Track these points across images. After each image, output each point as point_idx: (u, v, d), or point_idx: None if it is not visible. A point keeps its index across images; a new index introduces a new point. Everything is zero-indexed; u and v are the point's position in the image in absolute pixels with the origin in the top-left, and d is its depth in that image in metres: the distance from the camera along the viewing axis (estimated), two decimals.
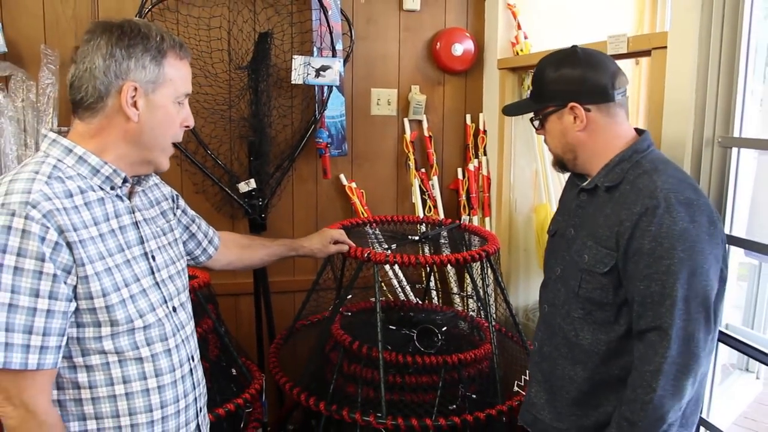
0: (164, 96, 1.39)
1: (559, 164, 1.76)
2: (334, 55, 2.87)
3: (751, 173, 2.02)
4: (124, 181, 1.40)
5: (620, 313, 1.58)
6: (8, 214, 1.21)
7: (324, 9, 2.83)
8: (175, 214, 1.68)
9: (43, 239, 1.22)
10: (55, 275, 1.23)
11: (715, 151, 1.91)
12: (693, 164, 1.91)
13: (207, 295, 2.40)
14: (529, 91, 1.78)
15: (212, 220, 2.83)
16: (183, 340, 1.49)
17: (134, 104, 1.35)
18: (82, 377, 1.33)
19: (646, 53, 2.11)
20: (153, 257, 1.45)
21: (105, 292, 1.30)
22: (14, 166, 2.51)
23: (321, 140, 2.92)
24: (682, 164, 1.89)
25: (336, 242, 2.18)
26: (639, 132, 1.68)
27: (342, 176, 3.11)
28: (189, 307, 1.58)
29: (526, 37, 3.07)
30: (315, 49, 2.89)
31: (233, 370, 2.40)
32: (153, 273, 1.44)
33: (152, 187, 1.59)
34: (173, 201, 1.69)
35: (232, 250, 1.95)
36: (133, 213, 1.44)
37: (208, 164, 2.86)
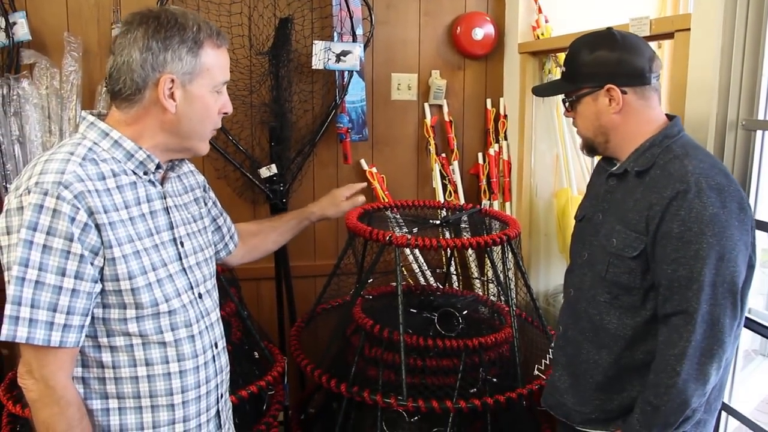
0: (202, 86, 1.39)
1: (589, 148, 1.75)
2: (354, 40, 2.87)
3: None
4: (158, 166, 1.42)
5: (647, 298, 1.58)
6: (41, 193, 1.24)
7: None
8: (206, 204, 1.70)
9: (73, 219, 1.24)
10: (82, 255, 1.26)
11: (739, 134, 1.89)
12: (716, 147, 1.89)
13: (230, 279, 2.42)
14: (560, 72, 1.76)
15: (234, 205, 2.88)
16: (207, 327, 1.50)
17: (171, 96, 1.36)
18: (107, 357, 1.36)
19: (669, 36, 2.09)
20: (182, 243, 1.47)
21: (131, 274, 1.32)
22: (39, 153, 2.55)
23: (342, 125, 2.93)
24: (705, 147, 1.87)
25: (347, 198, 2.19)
26: (669, 117, 1.67)
27: (362, 161, 3.12)
28: (215, 294, 1.59)
29: (546, 21, 3.04)
30: (335, 34, 2.89)
31: (256, 353, 2.43)
32: (181, 259, 1.45)
33: (187, 174, 1.61)
34: (204, 191, 1.70)
35: (246, 240, 1.95)
36: (165, 198, 1.45)
37: (230, 150, 2.87)
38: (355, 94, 3.02)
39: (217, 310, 1.58)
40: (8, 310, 1.23)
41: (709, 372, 1.47)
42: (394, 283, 2.26)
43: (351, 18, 2.85)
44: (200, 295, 1.49)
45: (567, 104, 1.72)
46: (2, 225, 1.26)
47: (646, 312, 1.58)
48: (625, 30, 2.10)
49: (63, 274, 1.25)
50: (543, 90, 1.85)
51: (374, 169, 3.12)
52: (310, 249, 3.11)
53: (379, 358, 2.24)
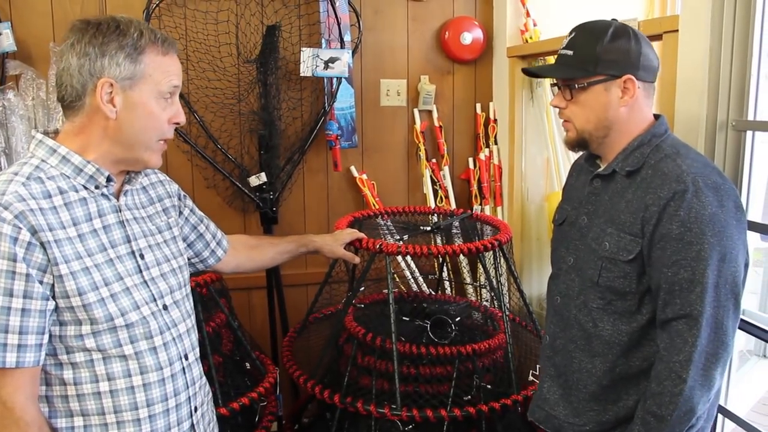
0: (143, 93, 1.37)
1: (580, 143, 1.64)
2: (342, 47, 2.86)
3: (766, 156, 1.99)
4: (108, 179, 1.39)
5: (642, 302, 1.54)
6: None
7: (331, 0, 2.81)
8: (182, 213, 1.68)
9: (15, 240, 1.23)
10: (28, 275, 1.25)
11: (729, 135, 1.89)
12: (707, 148, 1.88)
13: (219, 289, 2.40)
14: (559, 56, 1.63)
15: (223, 214, 2.86)
16: (174, 338, 1.47)
17: (111, 101, 1.35)
18: (68, 374, 1.34)
19: (658, 37, 2.08)
20: (141, 256, 1.44)
21: (81, 291, 1.30)
22: None
23: (331, 132, 2.92)
24: (695, 148, 1.86)
25: (349, 244, 2.18)
26: (654, 116, 1.63)
27: (353, 168, 3.11)
28: (187, 304, 1.56)
29: (535, 25, 3.04)
30: (323, 40, 2.88)
31: (247, 364, 2.41)
32: (141, 271, 1.43)
33: (155, 184, 1.59)
34: (179, 199, 1.68)
35: (241, 251, 1.93)
36: (120, 212, 1.43)
37: (219, 158, 2.86)
38: (344, 100, 3.01)
39: (188, 320, 1.55)
40: None
41: (715, 377, 1.43)
42: (386, 291, 2.24)
43: (339, 24, 2.84)
44: (165, 307, 1.47)
45: (569, 91, 1.60)
46: None
47: (642, 317, 1.54)
48: None
49: (11, 295, 1.24)
50: (547, 71, 1.72)
51: (364, 176, 3.10)
52: (301, 257, 3.07)
53: (372, 367, 2.22)
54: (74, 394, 1.34)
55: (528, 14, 3.04)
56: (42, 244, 1.26)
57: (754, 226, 1.89)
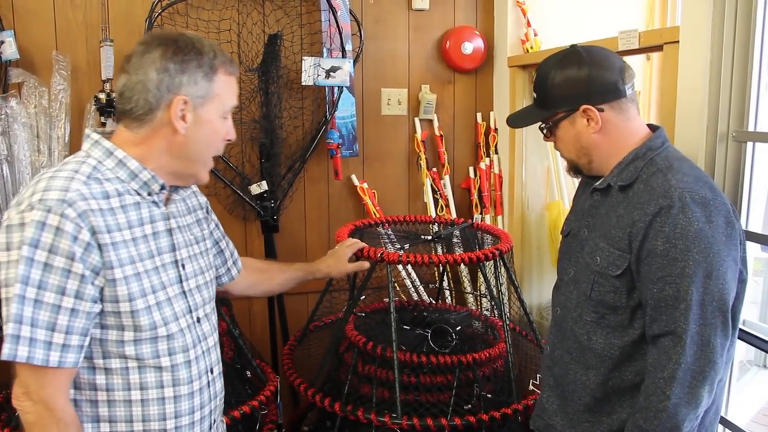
0: (212, 111, 1.41)
1: (574, 169, 1.71)
2: (343, 56, 2.87)
3: (766, 167, 2.00)
4: (162, 187, 1.41)
5: (634, 317, 1.53)
6: (44, 210, 1.23)
7: (333, 10, 2.82)
8: (208, 225, 1.69)
9: (75, 238, 1.23)
10: (83, 275, 1.25)
11: (730, 146, 1.89)
12: (707, 159, 1.89)
13: (221, 297, 2.39)
14: (531, 98, 1.72)
15: (224, 222, 2.82)
16: (204, 352, 1.48)
17: (183, 117, 1.37)
18: (100, 379, 1.34)
19: (658, 48, 2.09)
20: (183, 265, 1.45)
21: (131, 296, 1.31)
22: (27, 172, 2.54)
23: (332, 141, 2.92)
24: (696, 160, 1.87)
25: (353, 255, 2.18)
26: (653, 128, 1.63)
27: (353, 177, 3.11)
28: (214, 318, 1.57)
29: (536, 35, 3.05)
30: (325, 50, 2.89)
31: (248, 372, 2.41)
32: (181, 282, 1.44)
33: (189, 195, 1.60)
34: (207, 212, 1.69)
35: (251, 273, 1.93)
36: (168, 220, 1.44)
37: (220, 167, 2.86)
38: (345, 109, 3.01)
39: (215, 334, 1.56)
40: (9, 328, 1.22)
41: (701, 395, 1.42)
42: (387, 299, 2.24)
43: (340, 34, 2.85)
44: (198, 319, 1.48)
45: (545, 131, 1.67)
46: (2, 240, 1.25)
47: (634, 331, 1.53)
48: (612, 43, 2.11)
49: (63, 293, 1.24)
50: (517, 120, 1.78)
51: (365, 185, 3.11)
52: None
53: (372, 376, 2.22)
54: (105, 399, 1.35)
55: (529, 24, 3.05)
56: (99, 246, 1.27)
57: (755, 237, 1.89)
